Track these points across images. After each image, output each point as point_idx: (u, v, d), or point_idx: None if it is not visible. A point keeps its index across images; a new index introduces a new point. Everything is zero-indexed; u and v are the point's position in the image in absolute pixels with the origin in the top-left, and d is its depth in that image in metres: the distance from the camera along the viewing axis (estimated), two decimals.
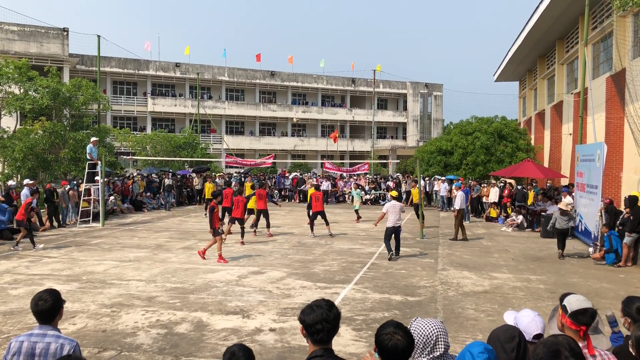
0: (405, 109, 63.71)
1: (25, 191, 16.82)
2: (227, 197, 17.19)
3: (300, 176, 33.61)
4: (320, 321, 2.85)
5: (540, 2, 25.42)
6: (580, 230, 16.60)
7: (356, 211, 21.97)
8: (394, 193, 14.24)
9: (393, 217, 13.00)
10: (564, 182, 25.15)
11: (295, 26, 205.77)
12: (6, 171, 23.58)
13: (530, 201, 20.79)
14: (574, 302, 3.13)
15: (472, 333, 7.41)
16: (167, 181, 26.40)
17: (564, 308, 3.16)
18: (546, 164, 30.23)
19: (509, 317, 3.38)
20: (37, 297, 3.49)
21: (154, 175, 29.37)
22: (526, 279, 10.96)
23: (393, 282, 10.58)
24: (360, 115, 61.38)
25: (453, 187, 25.14)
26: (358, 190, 23.70)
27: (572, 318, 3.08)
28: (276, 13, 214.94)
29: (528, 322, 3.20)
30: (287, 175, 34.36)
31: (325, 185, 30.53)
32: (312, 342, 2.91)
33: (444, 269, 12.04)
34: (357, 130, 63.81)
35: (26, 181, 17.30)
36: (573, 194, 17.67)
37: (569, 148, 25.85)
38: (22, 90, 24.98)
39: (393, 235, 13.10)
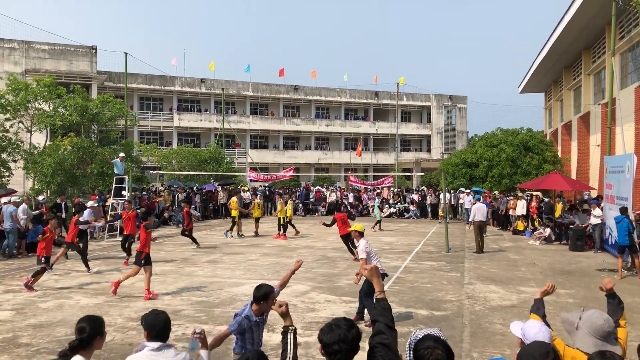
0: (429, 121, 63.42)
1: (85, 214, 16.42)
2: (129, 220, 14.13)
3: (325, 191, 33.35)
4: (338, 342, 2.75)
5: (566, 13, 25.18)
6: (610, 243, 16.25)
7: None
8: (360, 227, 9.32)
9: (376, 261, 8.79)
10: (589, 193, 24.66)
11: (318, 41, 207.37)
12: (36, 186, 24.09)
13: (557, 214, 20.44)
14: None
15: (500, 348, 7.29)
16: (181, 196, 26.16)
17: None
18: (574, 176, 29.72)
19: (516, 328, 3.40)
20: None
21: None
22: (555, 293, 10.64)
23: (419, 296, 10.48)
24: (384, 128, 61.32)
25: (470, 198, 24.93)
26: (376, 200, 24.10)
27: None
28: (299, 29, 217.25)
29: (535, 332, 3.23)
30: (310, 188, 34.38)
31: (350, 198, 30.68)
32: None
33: (471, 282, 11.88)
34: (380, 143, 63.72)
35: (90, 203, 17.24)
36: (602, 205, 17.35)
37: (597, 159, 25.38)
38: (51, 108, 25.59)
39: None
